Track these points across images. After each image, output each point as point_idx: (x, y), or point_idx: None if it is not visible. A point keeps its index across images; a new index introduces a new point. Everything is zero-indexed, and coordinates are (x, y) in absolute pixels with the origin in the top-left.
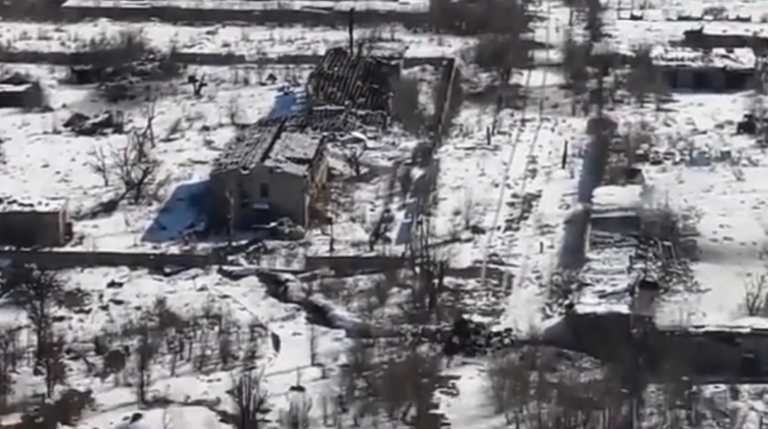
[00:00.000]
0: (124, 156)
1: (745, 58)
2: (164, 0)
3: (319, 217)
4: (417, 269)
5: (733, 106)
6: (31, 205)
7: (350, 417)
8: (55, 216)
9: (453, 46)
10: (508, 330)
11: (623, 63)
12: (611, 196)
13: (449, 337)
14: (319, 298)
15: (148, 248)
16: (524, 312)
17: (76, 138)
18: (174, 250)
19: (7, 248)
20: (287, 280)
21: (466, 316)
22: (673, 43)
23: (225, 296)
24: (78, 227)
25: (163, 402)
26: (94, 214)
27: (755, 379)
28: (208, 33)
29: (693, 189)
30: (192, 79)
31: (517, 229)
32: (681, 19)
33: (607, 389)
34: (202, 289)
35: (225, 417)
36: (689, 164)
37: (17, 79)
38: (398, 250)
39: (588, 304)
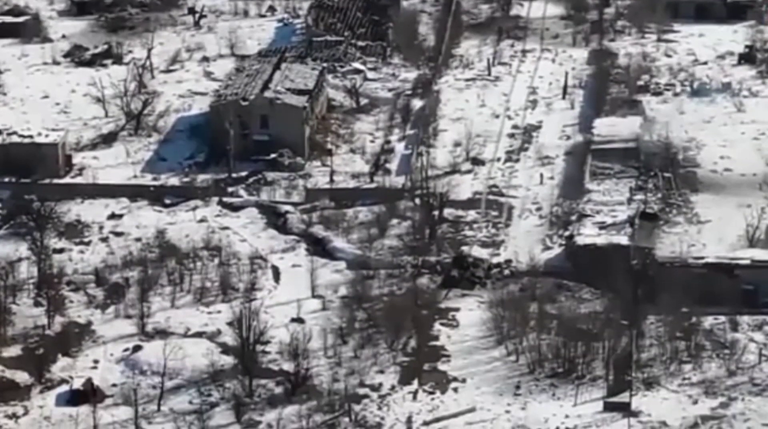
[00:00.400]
0: (124, 87)
1: None
2: None
3: (319, 148)
4: (417, 201)
5: (734, 36)
6: (30, 136)
7: (350, 349)
8: (54, 147)
9: None
10: (508, 261)
11: None
12: (612, 127)
13: (447, 271)
14: (319, 230)
15: (148, 180)
16: (524, 243)
17: (76, 69)
18: (174, 181)
19: (7, 180)
20: (287, 212)
21: (465, 250)
22: None
23: (225, 228)
24: (78, 159)
25: (163, 334)
26: (93, 146)
27: (754, 311)
28: None
29: (693, 120)
30: (192, 11)
31: (518, 160)
32: None
33: (606, 320)
34: (202, 220)
35: (225, 349)
36: (690, 95)
37: (16, 11)
38: (398, 181)
39: (588, 235)
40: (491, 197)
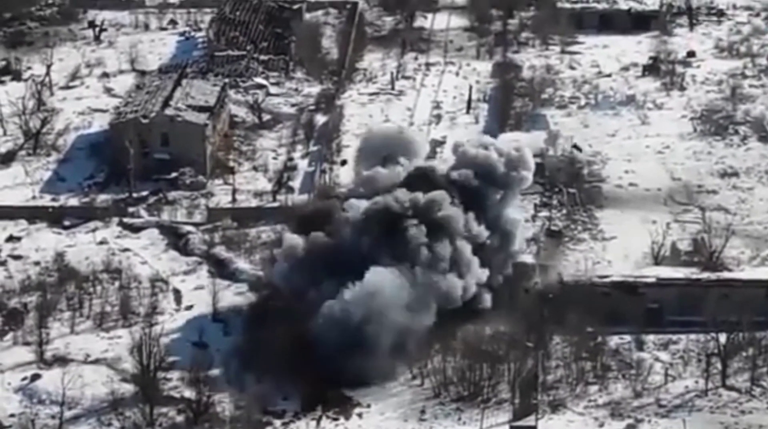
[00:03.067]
0: (23, 105)
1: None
2: None
3: (221, 166)
4: None
5: (638, 47)
6: None
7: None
8: None
9: None
10: None
11: (528, 5)
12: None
13: None
14: (221, 251)
15: (46, 200)
16: None
17: None
18: (73, 202)
19: None
20: (189, 233)
21: None
22: None
23: (125, 249)
24: None
25: (62, 361)
26: None
27: (660, 330)
28: None
29: (598, 133)
30: (92, 25)
31: None
32: None
33: (511, 342)
34: (102, 242)
35: (126, 376)
36: (594, 108)
37: None
38: (302, 199)
39: None
40: None
